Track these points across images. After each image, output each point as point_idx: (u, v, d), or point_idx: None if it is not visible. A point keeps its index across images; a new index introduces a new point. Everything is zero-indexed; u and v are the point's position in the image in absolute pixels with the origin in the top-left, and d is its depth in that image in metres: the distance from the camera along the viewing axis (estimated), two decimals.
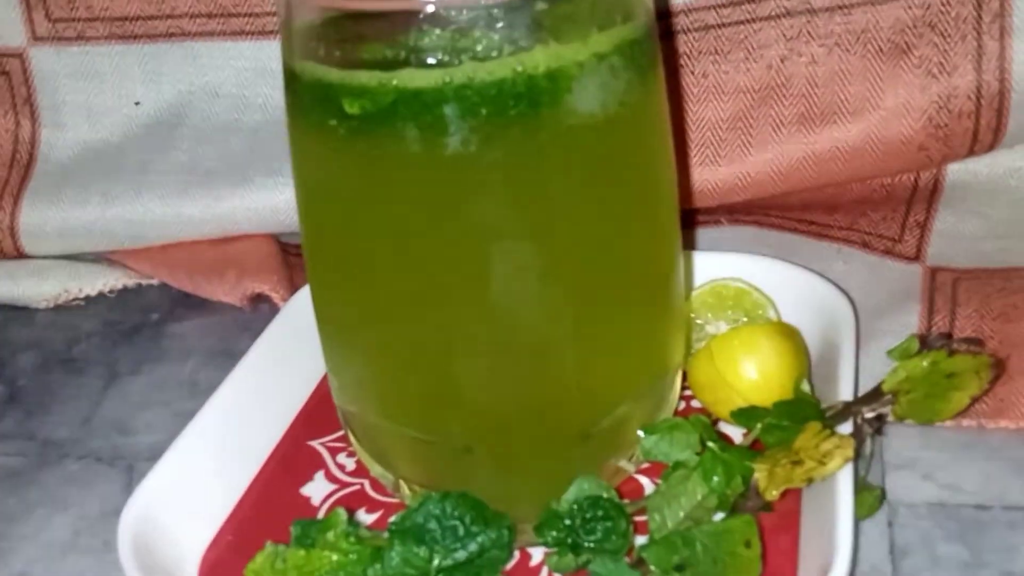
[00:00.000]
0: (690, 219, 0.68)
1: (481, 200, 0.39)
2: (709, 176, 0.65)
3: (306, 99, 0.40)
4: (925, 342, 0.48)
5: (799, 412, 0.46)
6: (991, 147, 0.64)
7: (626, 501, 0.43)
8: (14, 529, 0.52)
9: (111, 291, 0.70)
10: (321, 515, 0.49)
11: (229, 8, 0.66)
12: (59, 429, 0.58)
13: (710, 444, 0.43)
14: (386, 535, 0.41)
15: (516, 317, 0.41)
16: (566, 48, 0.37)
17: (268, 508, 0.50)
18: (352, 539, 0.40)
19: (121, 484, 0.54)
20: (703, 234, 0.67)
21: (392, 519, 0.42)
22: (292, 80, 0.40)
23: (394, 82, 0.37)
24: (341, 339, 0.46)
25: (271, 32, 0.66)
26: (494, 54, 0.37)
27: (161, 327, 0.67)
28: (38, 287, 0.69)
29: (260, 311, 0.66)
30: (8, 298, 0.69)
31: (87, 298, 0.69)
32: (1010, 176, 0.66)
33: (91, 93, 0.70)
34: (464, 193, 0.38)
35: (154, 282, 0.70)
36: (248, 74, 0.68)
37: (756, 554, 0.41)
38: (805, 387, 0.48)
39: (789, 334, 0.51)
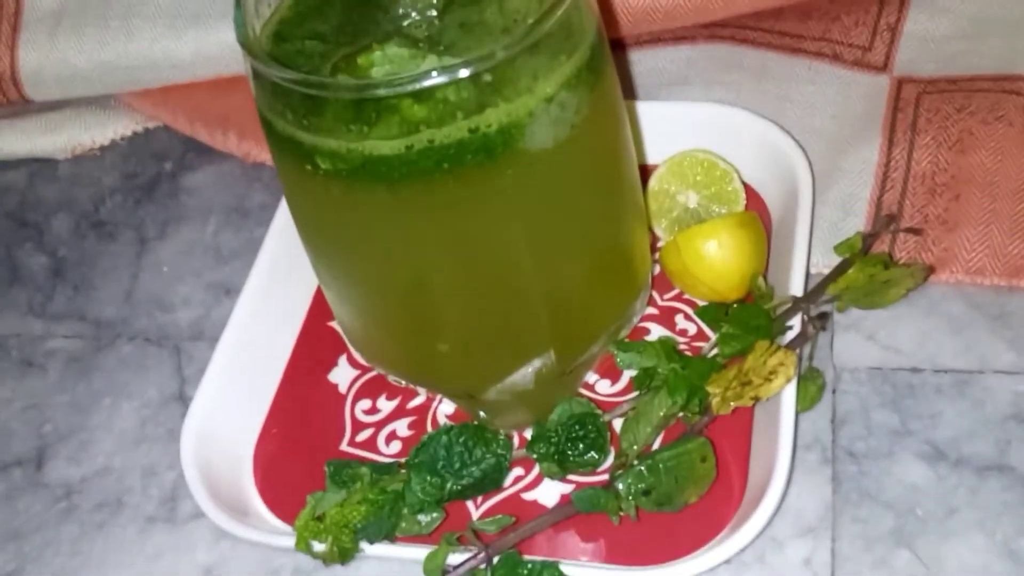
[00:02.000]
0: (668, 35, 0.69)
1: (450, 235, 0.43)
2: None
3: (282, 146, 0.43)
4: (869, 236, 0.53)
5: (753, 319, 0.52)
6: None
7: (602, 412, 0.51)
8: (90, 420, 0.60)
9: (122, 138, 0.74)
10: (348, 402, 0.57)
11: None
12: (106, 307, 0.65)
13: (673, 366, 0.50)
14: (403, 472, 0.50)
15: (493, 295, 0.46)
16: (516, 103, 0.40)
17: (303, 398, 0.58)
18: (377, 490, 0.48)
19: (172, 367, 0.62)
20: (678, 53, 0.69)
21: (407, 458, 0.50)
22: (268, 125, 0.43)
23: (361, 150, 0.40)
24: (336, 297, 0.51)
25: None
26: (449, 119, 0.40)
27: (176, 179, 0.71)
28: (52, 140, 0.73)
29: (265, 167, 0.70)
30: (25, 152, 0.73)
31: (102, 148, 0.73)
32: None
33: None
34: (434, 230, 0.43)
35: (160, 125, 0.74)
36: None
37: (711, 465, 0.49)
38: (760, 283, 0.54)
39: (749, 223, 0.55)
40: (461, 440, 0.50)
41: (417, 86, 0.38)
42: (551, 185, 0.43)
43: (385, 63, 0.42)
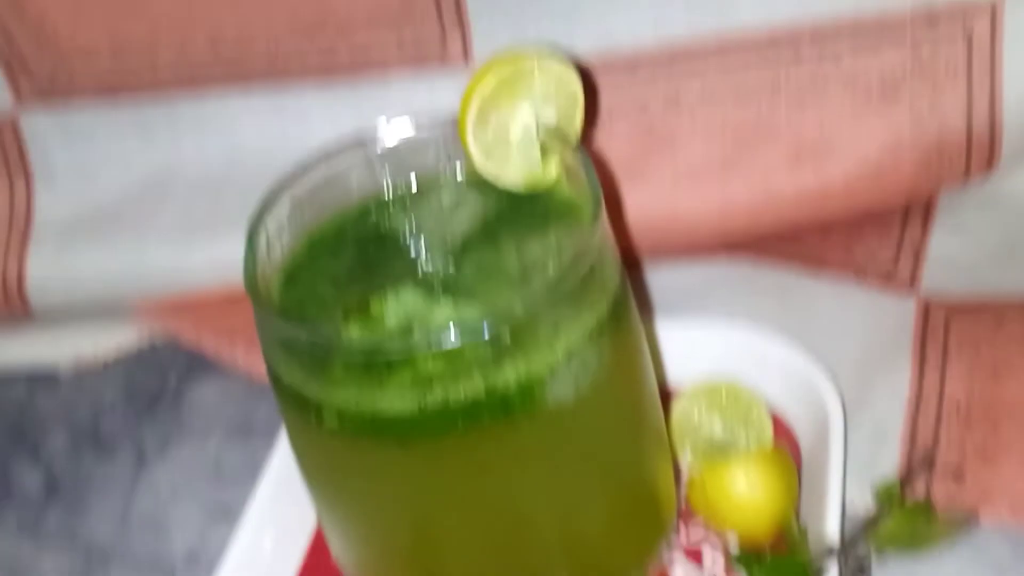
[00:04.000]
0: (687, 252, 0.68)
1: (463, 497, 0.40)
2: (703, 214, 0.65)
3: (287, 398, 0.41)
4: (906, 479, 0.50)
5: (787, 570, 0.48)
6: (981, 176, 0.63)
7: None
8: None
9: (127, 350, 0.72)
10: None
11: (210, 69, 0.64)
12: (98, 528, 0.62)
13: None
14: None
15: (507, 552, 0.43)
16: (535, 358, 0.38)
17: None
18: None
19: None
20: (700, 270, 0.67)
21: None
22: (272, 376, 0.41)
23: (370, 407, 0.38)
24: (339, 542, 0.48)
25: (259, 89, 0.65)
26: (465, 376, 0.37)
27: (180, 395, 0.69)
28: (55, 351, 0.71)
29: None
30: (27, 362, 0.71)
31: (104, 364, 0.71)
32: (1002, 197, 0.65)
33: (83, 154, 0.70)
34: (445, 492, 0.40)
35: (166, 340, 0.72)
36: (240, 128, 0.67)
37: None
38: (793, 526, 0.51)
39: (778, 460, 0.53)
40: None
41: (431, 348, 0.36)
42: (571, 439, 0.41)
43: (399, 310, 0.40)
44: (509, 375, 0.38)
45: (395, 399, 0.38)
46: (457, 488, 0.40)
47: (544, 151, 0.42)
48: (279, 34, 0.63)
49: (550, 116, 0.42)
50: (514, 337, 0.37)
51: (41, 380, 0.71)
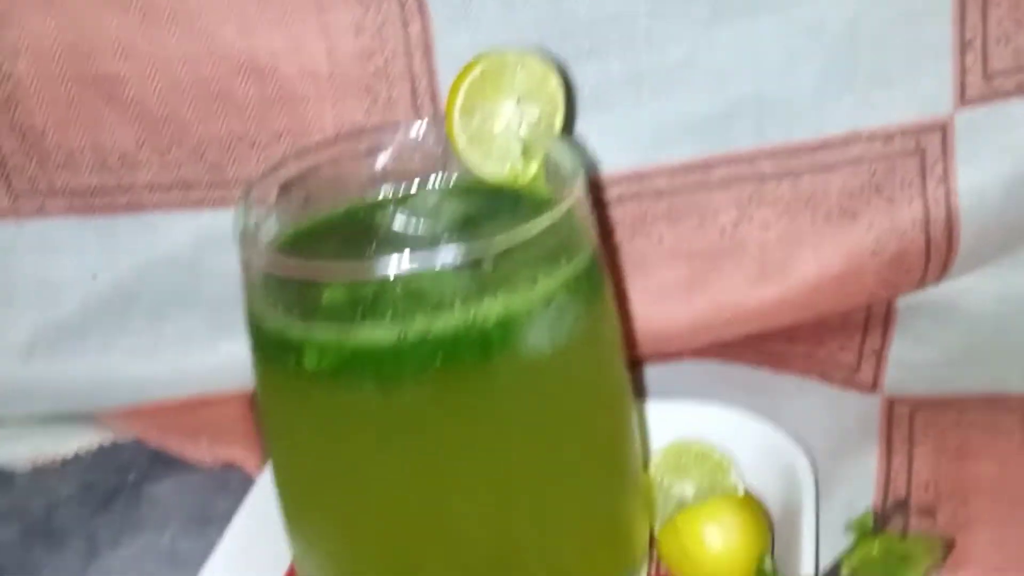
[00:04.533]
0: (653, 356, 0.69)
1: (438, 443, 0.40)
2: (668, 326, 0.66)
3: (267, 345, 0.41)
4: (881, 516, 0.50)
5: None
6: (936, 282, 0.66)
7: None
8: None
9: (87, 452, 0.70)
10: None
11: (189, 179, 0.66)
12: None
13: None
14: None
15: (479, 550, 0.42)
16: (515, 296, 0.39)
17: None
18: None
19: None
20: (666, 369, 0.69)
21: None
22: (254, 326, 0.42)
23: (352, 339, 0.38)
24: (306, 546, 0.47)
25: (230, 202, 0.66)
26: (447, 307, 0.38)
27: (138, 489, 0.67)
28: (14, 450, 0.70)
29: (235, 469, 0.67)
30: None
31: (64, 461, 0.70)
32: (958, 302, 0.68)
33: (47, 267, 0.69)
34: (421, 436, 0.40)
35: (129, 439, 0.71)
36: (206, 243, 0.67)
37: None
38: (768, 566, 0.50)
39: (750, 507, 0.52)
40: None
41: (416, 265, 0.37)
42: (547, 397, 0.41)
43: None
44: (489, 309, 0.38)
45: (376, 331, 0.38)
46: (432, 437, 0.40)
47: (526, 149, 0.45)
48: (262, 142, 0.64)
49: (533, 114, 0.45)
50: (493, 271, 0.38)
51: None
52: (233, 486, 0.66)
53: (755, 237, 0.65)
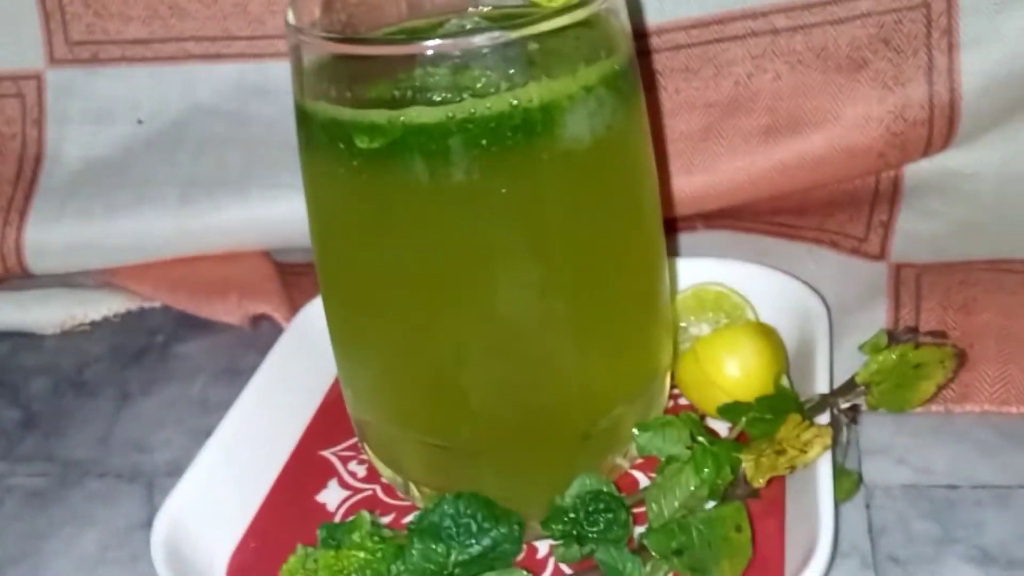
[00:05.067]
0: (668, 225, 0.71)
1: (483, 223, 0.42)
2: (684, 185, 0.69)
3: (319, 135, 0.43)
4: (893, 336, 0.52)
5: (780, 405, 0.49)
6: (943, 149, 0.68)
7: (624, 494, 0.47)
8: (44, 545, 0.54)
9: (115, 315, 0.72)
10: (337, 520, 0.52)
11: (233, 31, 0.69)
12: (77, 450, 0.61)
13: (700, 439, 0.47)
14: (406, 534, 0.44)
15: (519, 329, 0.44)
16: (557, 83, 0.41)
17: (287, 515, 0.53)
18: (376, 539, 0.43)
19: (142, 499, 0.57)
20: (681, 239, 0.71)
21: (410, 519, 0.45)
22: (304, 117, 0.44)
23: (402, 119, 0.40)
24: (355, 353, 0.49)
25: (270, 54, 0.70)
26: (492, 90, 0.40)
27: (167, 348, 0.69)
28: (44, 313, 0.72)
29: (262, 330, 0.69)
30: (16, 325, 0.72)
31: (92, 323, 0.72)
32: (962, 178, 0.70)
33: (98, 112, 0.73)
34: (467, 216, 0.42)
35: (157, 305, 0.73)
36: (247, 93, 0.71)
37: (747, 537, 0.45)
38: (784, 382, 0.52)
39: (767, 333, 0.54)
40: (469, 511, 0.45)
41: (465, 44, 0.39)
42: (586, 187, 0.43)
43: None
44: (533, 92, 0.40)
45: (425, 110, 0.40)
46: (477, 219, 0.42)
47: None
48: None
49: None
50: (539, 53, 0.40)
51: (25, 338, 0.72)
52: (263, 343, 0.68)
53: (768, 88, 0.67)
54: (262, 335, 0.68)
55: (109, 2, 0.69)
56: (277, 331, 0.65)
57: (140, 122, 0.72)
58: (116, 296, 0.73)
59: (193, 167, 0.71)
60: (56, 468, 0.60)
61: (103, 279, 0.74)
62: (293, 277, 0.72)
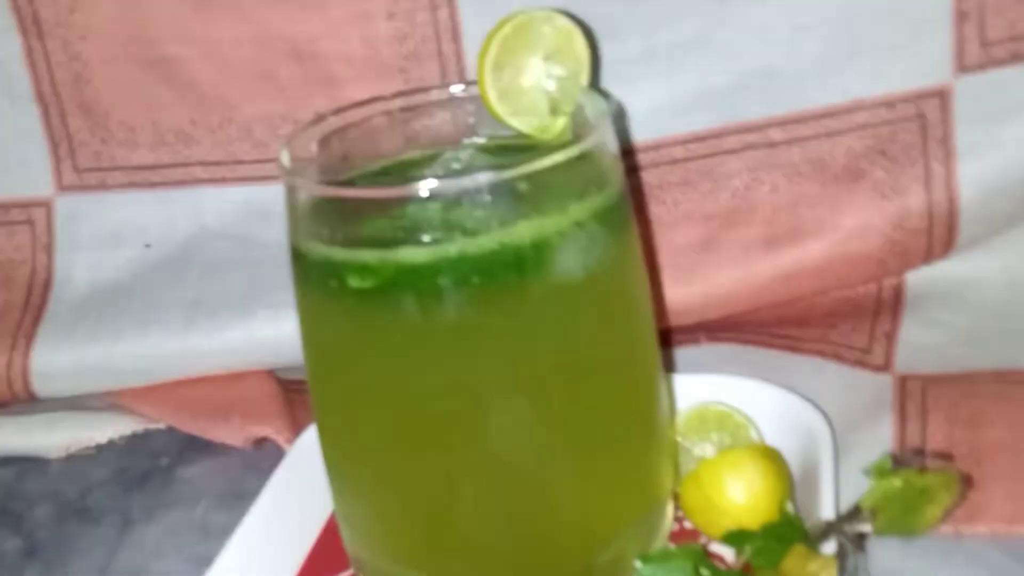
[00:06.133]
0: (670, 338, 0.71)
1: (475, 360, 0.42)
2: (684, 296, 0.69)
3: (312, 273, 0.43)
4: (898, 459, 0.51)
5: (785, 533, 0.49)
6: (944, 256, 0.68)
7: None
8: None
9: (121, 438, 0.72)
10: None
11: (238, 156, 0.70)
12: None
13: (704, 571, 0.46)
14: None
15: (513, 464, 0.44)
16: (547, 220, 0.41)
17: None
18: None
19: None
20: (684, 353, 0.71)
21: None
22: (298, 256, 0.44)
23: (394, 259, 0.41)
24: (351, 488, 0.49)
25: (275, 177, 0.70)
26: (482, 229, 0.41)
27: (171, 471, 0.69)
28: (49, 437, 0.72)
29: (265, 450, 0.69)
30: (21, 450, 0.72)
31: (98, 446, 0.72)
32: (966, 286, 0.70)
33: (106, 237, 0.74)
34: (459, 354, 0.42)
35: (162, 426, 0.73)
36: (252, 216, 0.72)
37: None
38: (789, 507, 0.51)
39: (771, 456, 0.54)
40: None
41: (457, 186, 0.40)
42: (579, 322, 0.43)
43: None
44: (523, 231, 0.41)
45: (415, 251, 0.40)
46: (469, 355, 0.42)
47: (553, 105, 0.48)
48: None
49: (559, 71, 0.48)
50: (526, 197, 0.41)
51: (31, 463, 0.71)
52: (266, 464, 0.67)
53: (766, 199, 0.68)
54: (266, 456, 0.68)
55: (116, 129, 0.71)
56: (281, 453, 0.65)
57: (148, 246, 0.72)
58: (122, 418, 0.73)
59: (199, 289, 0.72)
60: None
61: (109, 401, 0.74)
62: (297, 395, 0.72)
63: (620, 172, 0.45)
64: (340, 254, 0.42)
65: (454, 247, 0.40)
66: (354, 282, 0.41)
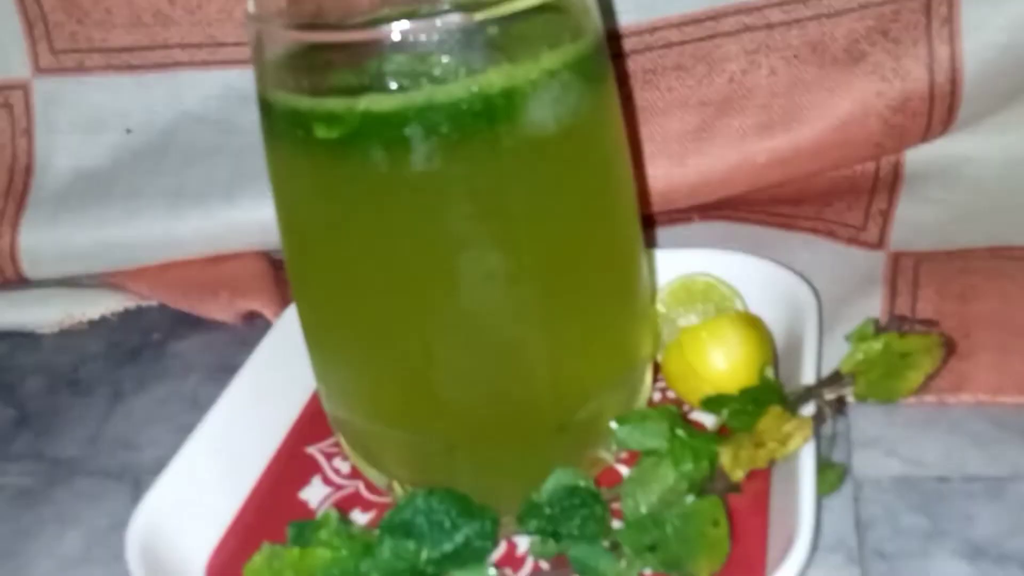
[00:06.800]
0: (663, 217, 0.70)
1: (446, 212, 0.41)
2: (678, 180, 0.67)
3: (280, 125, 0.43)
4: (882, 328, 0.51)
5: (763, 397, 0.48)
6: (942, 134, 0.67)
7: (603, 488, 0.46)
8: (28, 545, 0.54)
9: (113, 314, 0.72)
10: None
11: (218, 38, 0.68)
12: (68, 448, 0.61)
13: (679, 431, 0.46)
14: (377, 532, 0.44)
15: (487, 320, 0.43)
16: (518, 68, 0.40)
17: (269, 513, 0.53)
18: (344, 536, 0.43)
19: (129, 497, 0.57)
20: (676, 231, 0.70)
21: (380, 521, 0.44)
22: (266, 108, 0.43)
23: (361, 107, 0.40)
24: (327, 348, 0.48)
25: None
26: (451, 77, 0.39)
27: (163, 346, 0.69)
28: (43, 313, 0.72)
29: (255, 326, 0.69)
30: (14, 325, 0.72)
31: (90, 322, 0.72)
32: (964, 164, 0.68)
33: (86, 122, 0.73)
34: (430, 206, 0.41)
35: (154, 303, 0.73)
36: (234, 101, 0.70)
37: (724, 532, 0.44)
38: (770, 373, 0.51)
39: (754, 324, 0.53)
40: (442, 507, 0.45)
41: (421, 27, 0.39)
42: (551, 176, 0.42)
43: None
44: (493, 78, 0.40)
45: (382, 98, 0.39)
46: (438, 208, 0.41)
47: None
48: None
49: None
50: (500, 37, 0.40)
51: (24, 337, 0.72)
52: (255, 339, 0.67)
53: (763, 84, 0.66)
54: (256, 332, 0.68)
55: (92, 9, 0.69)
56: (269, 328, 0.65)
57: (129, 131, 0.71)
58: (114, 295, 0.73)
59: (182, 176, 0.71)
60: (45, 467, 0.60)
61: (101, 279, 0.74)
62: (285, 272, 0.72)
63: (597, 23, 0.44)
64: (306, 103, 0.41)
65: (422, 95, 0.39)
66: (320, 132, 0.40)
